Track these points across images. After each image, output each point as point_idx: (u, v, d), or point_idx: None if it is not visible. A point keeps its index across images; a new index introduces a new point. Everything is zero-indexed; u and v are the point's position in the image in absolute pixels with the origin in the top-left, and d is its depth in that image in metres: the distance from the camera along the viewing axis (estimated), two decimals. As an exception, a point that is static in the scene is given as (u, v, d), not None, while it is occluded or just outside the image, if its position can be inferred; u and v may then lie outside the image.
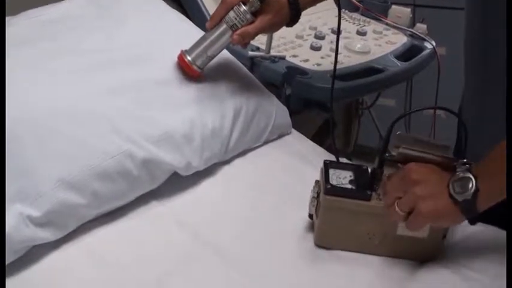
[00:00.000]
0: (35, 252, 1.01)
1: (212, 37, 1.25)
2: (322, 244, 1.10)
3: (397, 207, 0.98)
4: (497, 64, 0.96)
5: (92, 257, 1.03)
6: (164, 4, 1.52)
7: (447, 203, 0.94)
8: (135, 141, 1.12)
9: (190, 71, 1.26)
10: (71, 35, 1.28)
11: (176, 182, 1.20)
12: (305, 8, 1.28)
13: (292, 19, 1.27)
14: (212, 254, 1.06)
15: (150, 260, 1.03)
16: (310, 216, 1.12)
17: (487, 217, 1.13)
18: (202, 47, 1.25)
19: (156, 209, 1.16)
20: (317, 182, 1.10)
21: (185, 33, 1.39)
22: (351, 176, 1.08)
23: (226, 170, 1.30)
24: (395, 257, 1.09)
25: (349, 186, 1.06)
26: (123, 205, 1.13)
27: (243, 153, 1.35)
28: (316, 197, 1.09)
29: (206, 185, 1.24)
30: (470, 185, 0.93)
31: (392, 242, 1.08)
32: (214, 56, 1.27)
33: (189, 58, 1.25)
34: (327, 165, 1.10)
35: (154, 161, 1.14)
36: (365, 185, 1.06)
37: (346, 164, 1.15)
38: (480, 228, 1.08)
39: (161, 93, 1.23)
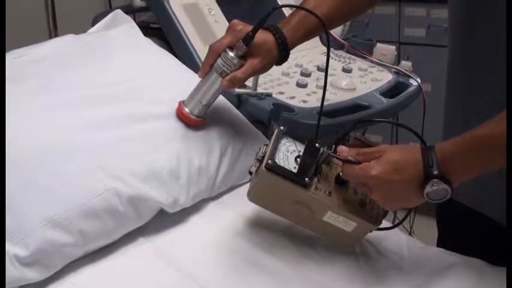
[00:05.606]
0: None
1: (205, 86, 1.26)
2: (252, 201, 1.13)
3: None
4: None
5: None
6: (150, 41, 1.54)
7: (417, 201, 1.00)
8: (122, 179, 1.12)
9: (189, 121, 1.28)
10: (56, 72, 1.29)
11: (163, 219, 1.20)
12: (294, 47, 1.27)
13: (282, 59, 1.26)
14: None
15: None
16: (250, 173, 1.11)
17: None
18: (197, 97, 1.27)
19: (143, 246, 1.15)
20: (265, 145, 1.09)
21: (171, 70, 1.40)
22: (300, 152, 1.08)
23: (213, 206, 1.30)
24: (314, 232, 1.15)
25: (293, 165, 1.06)
26: (110, 243, 1.12)
27: (230, 189, 1.35)
28: (259, 160, 1.08)
29: (193, 222, 1.24)
30: (446, 193, 0.96)
31: (315, 224, 1.10)
32: (211, 103, 1.28)
33: (186, 110, 1.27)
34: (281, 134, 1.10)
35: (141, 198, 1.13)
36: (309, 168, 1.06)
37: (301, 136, 1.12)
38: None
39: (147, 129, 1.23)
